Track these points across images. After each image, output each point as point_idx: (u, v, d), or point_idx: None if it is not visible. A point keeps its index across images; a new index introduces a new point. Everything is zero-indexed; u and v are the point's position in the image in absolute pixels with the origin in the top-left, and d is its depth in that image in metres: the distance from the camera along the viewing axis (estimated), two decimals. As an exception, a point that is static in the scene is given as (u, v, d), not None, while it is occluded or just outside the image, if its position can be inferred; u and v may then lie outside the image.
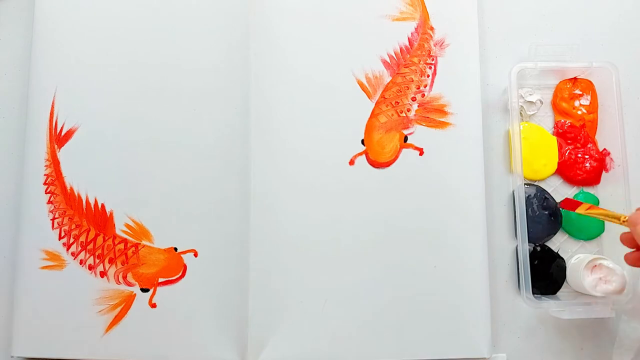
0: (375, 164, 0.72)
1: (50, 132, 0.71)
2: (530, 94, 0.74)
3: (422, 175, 0.72)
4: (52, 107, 0.72)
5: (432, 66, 0.74)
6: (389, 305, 0.70)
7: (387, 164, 0.72)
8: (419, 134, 0.73)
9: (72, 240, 0.70)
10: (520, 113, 0.74)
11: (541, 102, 0.75)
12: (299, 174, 0.72)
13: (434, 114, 0.73)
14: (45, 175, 0.71)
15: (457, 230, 0.71)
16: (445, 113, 0.73)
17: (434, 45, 0.74)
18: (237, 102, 0.72)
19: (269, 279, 0.70)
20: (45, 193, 0.71)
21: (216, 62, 0.73)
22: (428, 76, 0.73)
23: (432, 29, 0.74)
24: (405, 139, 0.72)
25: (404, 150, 0.72)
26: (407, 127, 0.73)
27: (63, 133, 0.71)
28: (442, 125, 0.73)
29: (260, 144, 0.71)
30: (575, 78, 0.75)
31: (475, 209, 0.72)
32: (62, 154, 0.71)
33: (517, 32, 0.77)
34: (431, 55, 0.74)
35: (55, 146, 0.71)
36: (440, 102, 0.73)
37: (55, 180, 0.71)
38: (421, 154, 0.72)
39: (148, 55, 0.73)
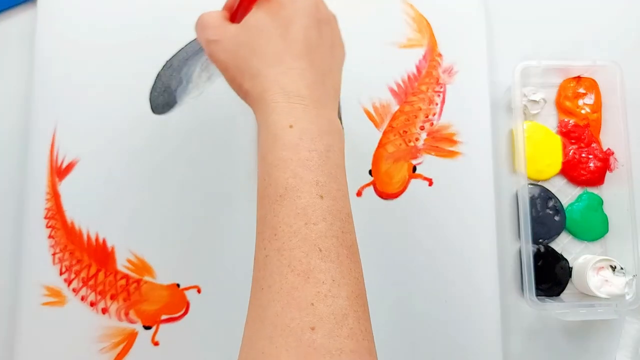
0: (383, 195, 0.67)
1: (51, 164, 0.66)
2: (534, 93, 0.70)
3: (432, 206, 0.67)
4: (53, 139, 0.66)
5: (441, 94, 0.69)
6: (399, 340, 0.65)
7: (396, 195, 0.67)
8: (428, 163, 0.68)
9: (73, 276, 0.64)
10: (524, 112, 0.70)
11: (545, 101, 0.71)
12: None
13: (443, 143, 0.68)
14: (46, 209, 0.65)
15: (467, 263, 0.66)
16: (454, 142, 0.68)
17: (443, 73, 0.69)
18: (240, 132, 0.67)
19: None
20: (46, 227, 0.65)
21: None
22: (437, 104, 0.69)
23: (440, 55, 0.70)
24: (414, 169, 0.67)
25: (412, 180, 0.67)
26: (416, 157, 0.68)
27: (64, 166, 0.66)
28: (452, 154, 0.68)
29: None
30: (579, 77, 0.71)
31: (486, 241, 0.67)
32: (63, 187, 0.66)
33: (520, 30, 0.73)
34: (439, 83, 0.69)
35: (56, 179, 0.66)
36: (449, 130, 0.68)
37: (55, 214, 0.65)
38: (430, 184, 0.67)
39: (149, 88, 0.68)
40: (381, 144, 0.68)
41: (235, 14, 0.52)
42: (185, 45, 0.68)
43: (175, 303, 0.64)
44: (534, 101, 0.70)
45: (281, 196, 0.43)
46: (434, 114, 0.68)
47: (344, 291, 0.41)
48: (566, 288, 0.67)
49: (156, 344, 0.64)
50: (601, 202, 0.69)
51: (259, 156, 0.47)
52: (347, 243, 0.44)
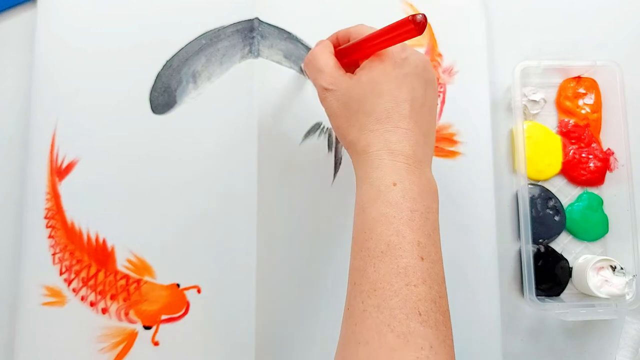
0: None
1: (51, 164, 0.66)
2: (534, 93, 0.70)
3: None
4: (53, 139, 0.66)
5: (441, 94, 0.68)
6: None
7: None
8: None
9: (73, 276, 0.64)
10: (524, 112, 0.70)
11: (545, 101, 0.71)
12: (306, 209, 0.66)
13: (443, 143, 0.67)
14: (46, 209, 0.65)
15: (467, 263, 0.66)
16: (454, 142, 0.68)
17: (443, 73, 0.69)
18: (241, 133, 0.67)
19: (274, 316, 0.64)
20: (46, 227, 0.65)
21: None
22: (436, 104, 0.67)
23: (440, 55, 0.69)
24: None
25: None
26: None
27: (64, 166, 0.66)
28: (452, 154, 0.67)
29: (268, 175, 0.66)
30: (579, 77, 0.71)
31: (486, 241, 0.66)
32: (63, 187, 0.65)
33: (520, 30, 0.73)
34: (440, 83, 0.69)
35: (56, 179, 0.65)
36: (449, 130, 0.68)
37: (55, 214, 0.65)
38: None
39: (149, 89, 0.68)
40: (381, 144, 0.67)
41: (344, 56, 0.54)
42: (185, 45, 0.67)
43: (175, 303, 0.64)
44: (534, 101, 0.70)
45: (383, 252, 0.44)
46: (434, 114, 0.68)
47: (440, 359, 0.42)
48: (566, 288, 0.67)
49: (156, 344, 0.63)
50: (601, 202, 0.69)
51: (357, 207, 0.48)
52: (443, 309, 0.44)
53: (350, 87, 0.50)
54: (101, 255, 0.64)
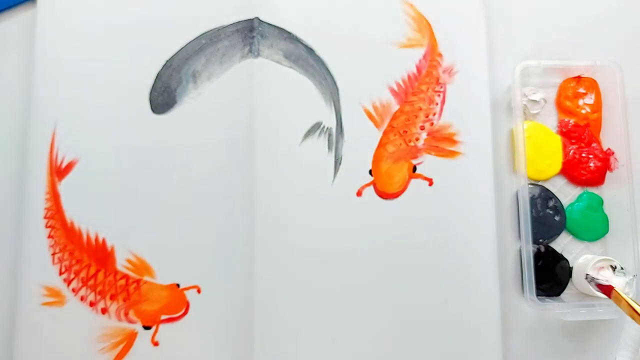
0: (383, 195, 0.66)
1: (51, 164, 0.66)
2: (534, 93, 0.70)
3: (432, 206, 0.66)
4: (53, 139, 0.66)
5: (441, 94, 0.68)
6: (398, 339, 0.65)
7: (396, 195, 0.66)
8: (428, 163, 0.67)
9: (72, 275, 0.64)
10: (524, 112, 0.69)
11: (545, 101, 0.70)
12: (304, 206, 0.66)
13: (443, 143, 0.67)
14: (45, 209, 0.65)
15: (467, 263, 0.66)
16: (454, 142, 0.67)
17: (443, 73, 0.69)
18: (241, 133, 0.67)
19: (274, 316, 0.64)
20: (46, 227, 0.65)
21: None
22: (437, 104, 0.68)
23: (440, 55, 0.69)
24: (414, 169, 0.67)
25: (413, 180, 0.67)
26: (416, 157, 0.67)
27: (64, 166, 0.66)
28: (452, 154, 0.67)
29: (265, 176, 0.66)
30: (579, 77, 0.71)
31: (486, 241, 0.66)
32: (63, 186, 0.65)
33: (520, 30, 0.73)
34: (440, 83, 0.68)
35: (56, 179, 0.65)
36: (449, 130, 0.68)
37: (55, 214, 0.65)
38: (431, 184, 0.67)
39: (149, 89, 0.68)
40: (381, 144, 0.67)
41: None
42: (185, 45, 0.67)
43: (175, 303, 0.64)
44: (534, 101, 0.69)
45: None
46: (434, 114, 0.68)
47: None
48: (566, 288, 0.67)
49: (156, 344, 0.63)
50: (601, 202, 0.68)
51: None
52: None
53: None
54: (101, 255, 0.64)
